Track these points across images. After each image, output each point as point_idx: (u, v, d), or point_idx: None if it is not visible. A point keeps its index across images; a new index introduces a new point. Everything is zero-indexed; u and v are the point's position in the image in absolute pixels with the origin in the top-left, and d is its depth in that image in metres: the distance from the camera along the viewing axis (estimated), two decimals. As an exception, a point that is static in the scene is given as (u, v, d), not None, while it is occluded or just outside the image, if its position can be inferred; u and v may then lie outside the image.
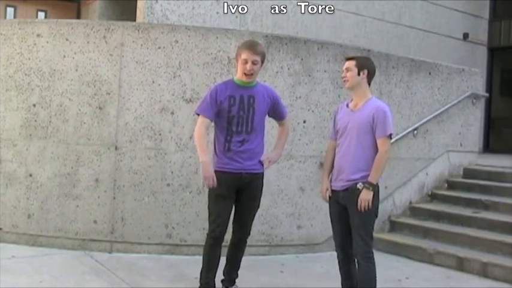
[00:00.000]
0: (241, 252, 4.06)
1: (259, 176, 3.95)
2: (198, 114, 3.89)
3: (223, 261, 4.01)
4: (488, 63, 13.18)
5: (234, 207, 3.93)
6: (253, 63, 3.80)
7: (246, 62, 3.80)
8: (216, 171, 3.79)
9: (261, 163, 3.92)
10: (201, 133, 3.82)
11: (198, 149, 3.85)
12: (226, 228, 3.86)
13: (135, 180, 5.21)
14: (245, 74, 3.82)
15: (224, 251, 3.97)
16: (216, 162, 3.88)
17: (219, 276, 4.01)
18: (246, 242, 4.05)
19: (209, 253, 3.85)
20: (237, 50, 3.92)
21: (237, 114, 3.81)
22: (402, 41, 11.10)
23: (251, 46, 3.87)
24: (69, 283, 4.20)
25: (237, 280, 4.11)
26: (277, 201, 5.52)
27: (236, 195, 3.89)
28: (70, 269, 4.57)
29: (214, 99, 3.83)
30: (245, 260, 4.15)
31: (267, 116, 4.03)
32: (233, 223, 3.98)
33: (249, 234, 4.04)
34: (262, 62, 3.90)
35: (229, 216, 3.88)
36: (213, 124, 3.95)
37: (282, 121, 4.15)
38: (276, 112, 4.07)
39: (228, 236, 3.98)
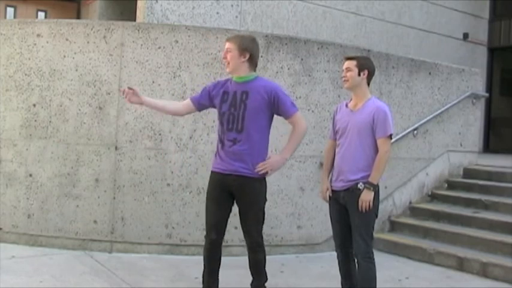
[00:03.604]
0: (255, 260, 3.76)
1: (254, 180, 3.64)
2: None
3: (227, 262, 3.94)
4: (488, 63, 13.17)
5: (239, 213, 3.77)
6: (226, 50, 3.69)
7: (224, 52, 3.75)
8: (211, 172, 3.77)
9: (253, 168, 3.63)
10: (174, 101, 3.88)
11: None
12: (222, 230, 3.73)
13: (135, 180, 5.21)
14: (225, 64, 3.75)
15: (228, 251, 3.88)
16: (212, 163, 3.81)
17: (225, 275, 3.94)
18: (257, 251, 3.75)
19: (206, 256, 3.75)
20: None
21: (227, 110, 3.66)
22: (402, 41, 11.09)
23: (228, 37, 3.80)
24: (69, 283, 4.20)
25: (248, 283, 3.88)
26: (277, 201, 5.52)
27: (233, 200, 3.73)
28: (70, 269, 4.57)
29: (207, 90, 3.79)
30: (244, 260, 4.12)
31: (269, 114, 3.71)
32: (242, 230, 3.81)
33: (257, 242, 3.73)
34: (241, 50, 3.66)
35: (223, 218, 3.72)
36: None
37: (288, 120, 3.77)
38: (279, 110, 3.71)
39: (230, 236, 3.92)
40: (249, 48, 3.69)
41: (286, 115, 3.73)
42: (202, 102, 3.82)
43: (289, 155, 3.76)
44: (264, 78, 3.92)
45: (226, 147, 3.65)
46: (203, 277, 3.80)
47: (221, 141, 3.70)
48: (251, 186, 3.65)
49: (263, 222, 3.79)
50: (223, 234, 3.77)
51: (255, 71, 3.78)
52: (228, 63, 3.69)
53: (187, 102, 3.88)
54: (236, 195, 3.68)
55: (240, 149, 3.62)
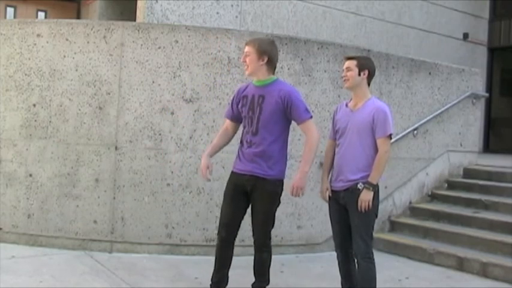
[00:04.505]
0: (259, 259, 3.79)
1: (266, 181, 3.68)
2: None
3: (238, 262, 3.93)
4: (488, 63, 13.16)
5: (251, 213, 3.81)
6: (245, 54, 3.74)
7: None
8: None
9: (271, 169, 3.69)
10: (219, 132, 3.98)
11: None
12: (233, 230, 3.77)
13: (135, 180, 5.21)
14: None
15: (238, 251, 3.90)
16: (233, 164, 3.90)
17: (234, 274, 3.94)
18: (262, 250, 3.77)
19: (217, 253, 3.80)
20: None
21: (247, 114, 3.76)
22: (402, 41, 11.09)
23: (247, 41, 3.86)
24: (69, 283, 4.20)
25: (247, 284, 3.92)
26: (277, 201, 5.51)
27: (249, 201, 3.78)
28: (70, 269, 4.56)
29: (233, 100, 3.90)
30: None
31: (284, 118, 3.72)
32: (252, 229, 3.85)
33: (263, 242, 3.76)
34: (259, 53, 3.68)
35: (235, 218, 3.76)
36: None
37: (299, 126, 3.79)
38: (291, 114, 3.71)
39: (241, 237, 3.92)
40: (267, 52, 3.72)
41: (298, 121, 3.75)
42: (236, 115, 3.90)
43: (307, 168, 3.72)
44: (282, 81, 3.94)
45: (244, 149, 3.76)
46: (213, 274, 3.83)
47: (241, 142, 3.82)
48: (263, 187, 3.70)
49: (273, 224, 3.81)
50: (236, 233, 3.81)
51: (274, 74, 3.82)
52: (247, 66, 3.75)
53: (228, 123, 3.96)
54: (251, 194, 3.74)
55: (254, 151, 3.70)
